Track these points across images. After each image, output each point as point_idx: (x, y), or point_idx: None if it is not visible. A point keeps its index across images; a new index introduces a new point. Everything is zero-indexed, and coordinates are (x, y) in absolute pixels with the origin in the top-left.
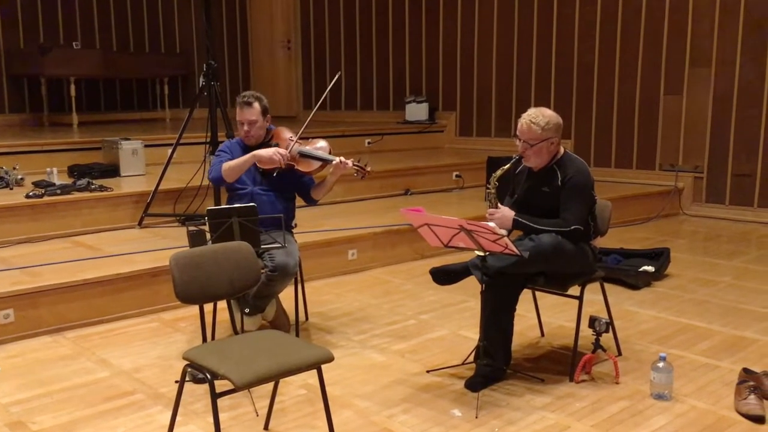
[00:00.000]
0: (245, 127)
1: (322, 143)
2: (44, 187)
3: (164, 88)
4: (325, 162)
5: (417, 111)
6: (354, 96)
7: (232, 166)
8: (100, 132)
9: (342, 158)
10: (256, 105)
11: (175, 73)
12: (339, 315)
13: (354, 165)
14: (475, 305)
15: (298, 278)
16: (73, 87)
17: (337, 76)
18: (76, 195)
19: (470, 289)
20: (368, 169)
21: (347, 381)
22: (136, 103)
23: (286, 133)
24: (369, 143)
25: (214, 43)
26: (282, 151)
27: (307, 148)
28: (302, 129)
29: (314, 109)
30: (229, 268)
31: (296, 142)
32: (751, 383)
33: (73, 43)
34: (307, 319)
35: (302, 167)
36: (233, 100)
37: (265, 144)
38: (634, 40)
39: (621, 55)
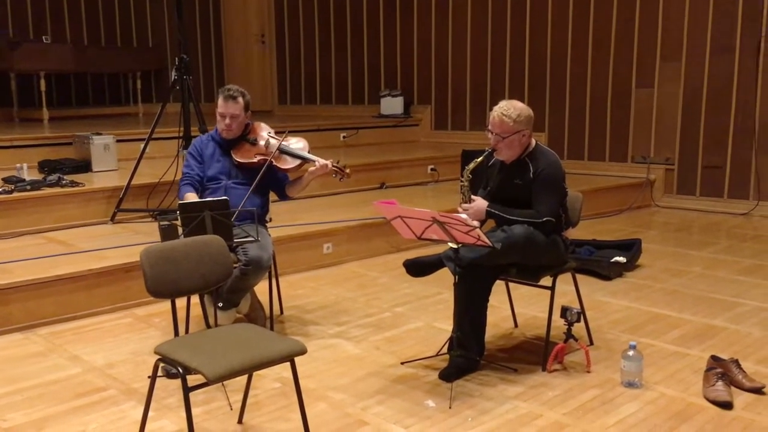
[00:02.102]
0: (227, 121)
1: (301, 142)
2: (14, 183)
3: (137, 82)
4: (304, 161)
5: (392, 105)
6: (329, 90)
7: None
8: (72, 127)
9: (322, 159)
10: (241, 100)
11: (148, 67)
12: (314, 308)
13: (333, 167)
14: (449, 297)
15: (273, 272)
16: (43, 82)
17: (286, 133)
18: (47, 191)
19: (445, 282)
20: (347, 171)
21: (322, 374)
22: (108, 98)
23: (264, 129)
24: (344, 137)
25: (187, 38)
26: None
27: (288, 144)
28: (284, 136)
29: (282, 139)
30: (201, 263)
31: (276, 138)
32: (719, 370)
33: (43, 38)
34: (282, 312)
35: (281, 164)
36: (207, 94)
37: (242, 138)
38: (606, 34)
39: (593, 49)
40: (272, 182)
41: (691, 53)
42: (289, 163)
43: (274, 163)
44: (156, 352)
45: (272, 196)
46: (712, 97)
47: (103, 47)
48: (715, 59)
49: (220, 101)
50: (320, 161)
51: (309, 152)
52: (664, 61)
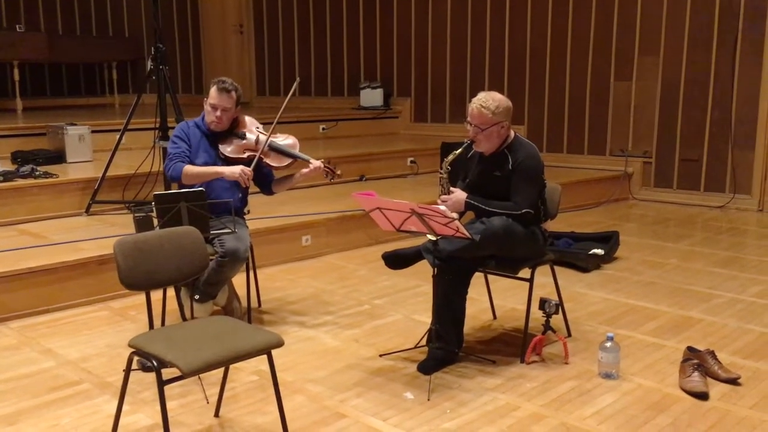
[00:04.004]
0: (218, 113)
1: (291, 139)
2: None
3: (112, 72)
4: (295, 159)
5: (372, 97)
6: (308, 82)
7: (195, 174)
8: (46, 118)
9: (315, 160)
10: (234, 94)
11: (124, 57)
12: (293, 301)
13: (325, 167)
14: (428, 289)
15: (250, 264)
16: (16, 71)
17: (296, 83)
18: (20, 182)
19: (424, 274)
20: (338, 172)
21: (300, 366)
22: (84, 89)
23: (252, 123)
24: (324, 129)
25: (164, 27)
26: (247, 171)
27: (279, 142)
28: (272, 126)
29: (279, 113)
30: (176, 254)
31: (265, 134)
32: (695, 361)
33: (17, 26)
34: (260, 305)
35: (272, 161)
36: (184, 85)
37: (230, 133)
38: (585, 28)
39: (572, 42)
40: (258, 177)
41: (669, 47)
42: (280, 161)
43: (264, 159)
44: (130, 345)
45: (252, 188)
46: (690, 91)
47: (78, 36)
48: (693, 53)
49: (213, 92)
50: (314, 162)
51: (299, 150)
52: (642, 54)
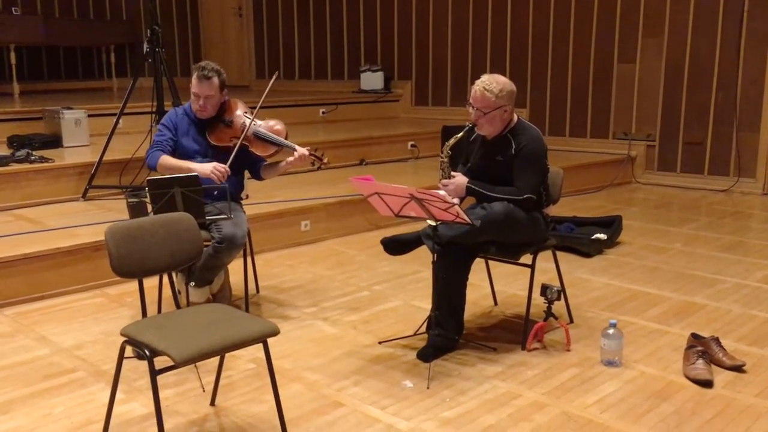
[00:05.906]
0: (200, 102)
1: (278, 126)
2: None
3: (110, 56)
4: (281, 147)
5: (372, 80)
6: (308, 65)
7: (170, 167)
8: (43, 101)
9: (300, 148)
10: (215, 80)
11: (122, 40)
12: (291, 287)
13: (311, 154)
14: (428, 275)
15: (248, 250)
16: (13, 54)
17: (274, 77)
18: (15, 167)
19: (424, 260)
20: (325, 160)
21: (298, 354)
22: (81, 72)
23: (240, 108)
24: (323, 113)
25: (163, 10)
26: (220, 168)
27: (264, 130)
28: (255, 113)
29: (258, 105)
30: (170, 241)
31: (252, 119)
32: (699, 348)
33: (13, 9)
34: (258, 292)
35: (257, 150)
36: (183, 68)
37: (217, 118)
38: (588, 10)
39: (575, 24)
40: (247, 163)
41: (673, 29)
42: (266, 149)
43: (250, 148)
44: (122, 334)
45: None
46: (694, 73)
47: (75, 19)
48: (697, 35)
49: (194, 80)
50: (299, 150)
51: (286, 137)
52: (646, 36)
